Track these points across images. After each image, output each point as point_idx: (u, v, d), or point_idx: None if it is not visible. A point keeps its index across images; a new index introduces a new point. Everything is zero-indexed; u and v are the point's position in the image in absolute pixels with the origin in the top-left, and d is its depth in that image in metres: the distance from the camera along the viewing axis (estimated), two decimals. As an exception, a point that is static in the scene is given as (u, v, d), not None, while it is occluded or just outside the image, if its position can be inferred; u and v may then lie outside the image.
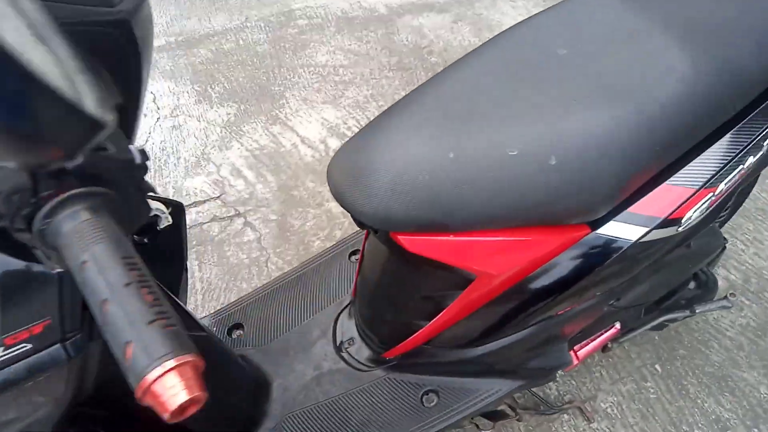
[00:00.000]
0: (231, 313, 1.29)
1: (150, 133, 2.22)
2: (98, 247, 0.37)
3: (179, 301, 0.93)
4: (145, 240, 0.76)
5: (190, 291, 1.75)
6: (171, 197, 1.97)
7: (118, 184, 0.44)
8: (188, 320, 0.90)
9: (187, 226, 1.87)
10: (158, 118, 2.28)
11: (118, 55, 0.59)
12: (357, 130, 2.20)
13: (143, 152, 0.47)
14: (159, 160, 2.12)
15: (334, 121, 2.25)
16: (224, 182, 2.05)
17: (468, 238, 0.76)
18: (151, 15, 0.65)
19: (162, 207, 0.77)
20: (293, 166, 2.09)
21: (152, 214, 0.76)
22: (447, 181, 0.71)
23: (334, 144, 2.16)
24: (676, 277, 1.08)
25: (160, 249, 0.95)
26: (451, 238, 0.76)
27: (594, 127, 0.71)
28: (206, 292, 1.75)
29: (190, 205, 1.97)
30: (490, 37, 0.87)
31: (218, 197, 2.00)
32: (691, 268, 1.09)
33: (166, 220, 0.78)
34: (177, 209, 0.98)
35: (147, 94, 2.32)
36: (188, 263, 1.78)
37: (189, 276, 1.79)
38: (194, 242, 1.87)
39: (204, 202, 1.99)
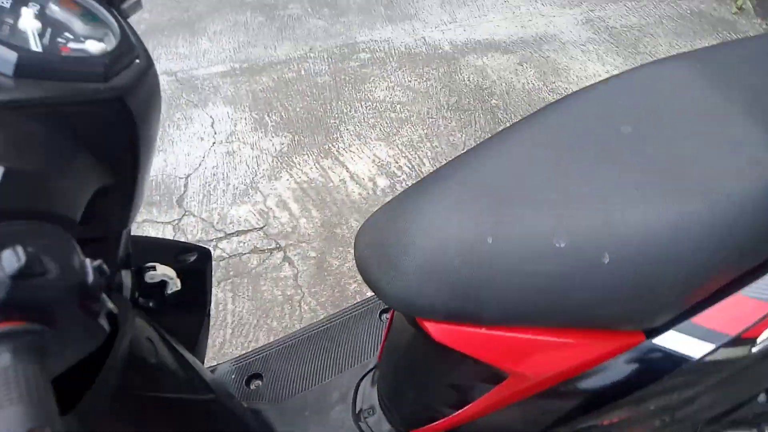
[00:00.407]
0: (252, 362, 1.24)
1: (204, 157, 2.24)
2: (4, 412, 0.30)
3: (190, 358, 0.87)
4: (150, 304, 0.71)
5: (220, 324, 1.71)
6: (215, 225, 1.97)
7: (59, 314, 0.37)
8: (197, 381, 0.85)
9: (228, 256, 1.85)
10: (213, 143, 2.30)
11: (108, 134, 0.54)
12: (408, 170, 2.15)
13: (100, 269, 0.39)
14: (209, 185, 2.13)
15: (386, 159, 2.20)
16: (269, 213, 2.03)
17: (502, 333, 0.67)
18: (157, 87, 0.61)
19: (170, 272, 0.73)
20: (339, 203, 2.04)
21: (159, 280, 0.71)
22: (483, 268, 0.63)
23: (383, 183, 2.10)
24: (745, 390, 0.94)
25: (180, 296, 0.91)
26: (483, 331, 0.67)
27: (657, 223, 0.61)
28: (236, 327, 1.71)
29: (232, 233, 1.96)
30: (556, 81, 0.79)
31: (261, 228, 1.98)
32: (764, 381, 0.95)
33: (174, 286, 0.73)
34: (203, 255, 0.93)
35: (202, 124, 2.35)
36: (222, 294, 1.76)
37: (221, 307, 1.76)
38: (231, 273, 1.84)
39: (247, 232, 1.97)
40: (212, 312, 1.70)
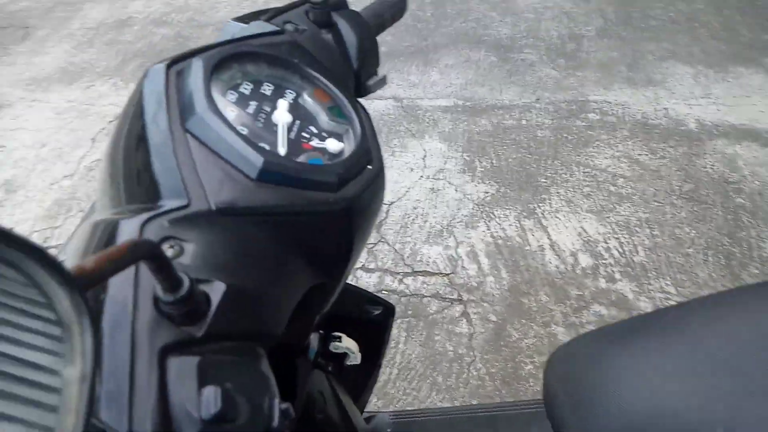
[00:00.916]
0: (411, 422, 1.21)
1: (409, 189, 2.29)
2: None
3: (351, 410, 0.87)
4: (330, 368, 0.71)
5: (388, 362, 1.72)
6: (405, 258, 1.99)
7: None
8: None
9: (410, 294, 1.86)
10: (421, 177, 2.34)
11: (326, 242, 0.53)
12: (617, 254, 1.95)
13: (286, 412, 0.37)
14: (408, 218, 2.17)
15: (594, 235, 2.03)
16: (458, 262, 1.99)
17: None
18: (382, 188, 0.59)
19: (353, 347, 0.73)
20: (532, 270, 1.93)
21: (342, 351, 0.71)
22: None
23: (585, 262, 1.94)
24: None
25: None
26: None
27: None
28: (402, 370, 1.70)
29: (419, 272, 1.96)
30: None
31: (447, 275, 1.95)
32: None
33: (354, 360, 0.73)
34: (387, 311, 0.92)
35: (414, 155, 2.40)
36: (397, 331, 1.76)
37: (393, 344, 1.77)
38: (410, 312, 1.85)
39: (433, 275, 1.96)
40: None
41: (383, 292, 1.90)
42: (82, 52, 3.22)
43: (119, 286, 0.37)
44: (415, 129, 2.58)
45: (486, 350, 1.73)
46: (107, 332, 0.35)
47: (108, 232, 0.41)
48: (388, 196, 2.26)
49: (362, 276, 1.95)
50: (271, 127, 0.51)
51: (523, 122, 2.57)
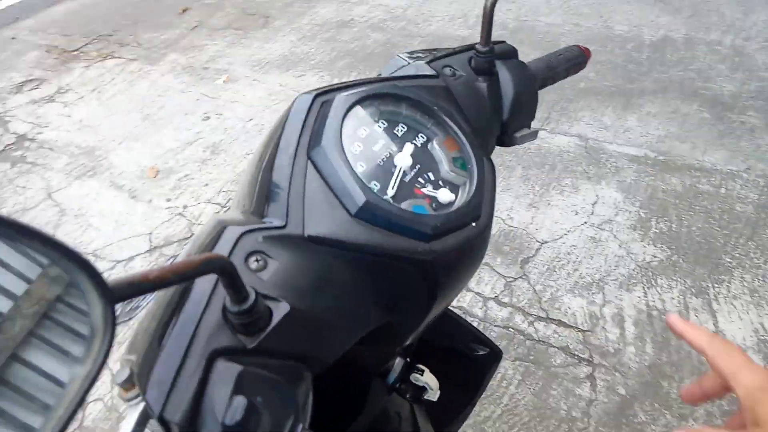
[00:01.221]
0: None
1: (568, 232, 2.17)
2: None
3: None
4: (407, 396, 0.71)
5: (494, 398, 1.66)
6: (542, 302, 1.89)
7: None
8: None
9: (537, 339, 1.77)
10: (585, 223, 2.20)
11: (402, 287, 0.53)
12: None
13: None
14: (558, 262, 2.06)
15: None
16: (600, 322, 1.84)
17: None
18: (484, 244, 0.57)
19: (432, 383, 0.71)
20: (683, 354, 1.71)
21: (421, 384, 0.70)
22: None
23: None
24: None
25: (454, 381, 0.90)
26: None
27: None
28: (506, 412, 1.63)
29: (553, 320, 1.85)
30: None
31: (584, 331, 1.81)
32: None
33: (431, 396, 0.71)
34: (494, 355, 0.89)
35: (584, 199, 2.26)
36: (513, 371, 1.69)
37: (504, 383, 1.70)
38: (531, 357, 1.76)
39: (568, 327, 1.83)
40: (491, 382, 1.66)
41: (510, 329, 1.84)
42: (304, 45, 3.61)
43: (202, 285, 0.41)
44: (592, 172, 2.44)
45: (604, 422, 1.57)
46: (176, 322, 0.40)
47: (216, 232, 0.46)
48: (544, 233, 2.17)
49: (492, 308, 1.90)
50: (390, 168, 0.53)
51: (722, 191, 2.28)
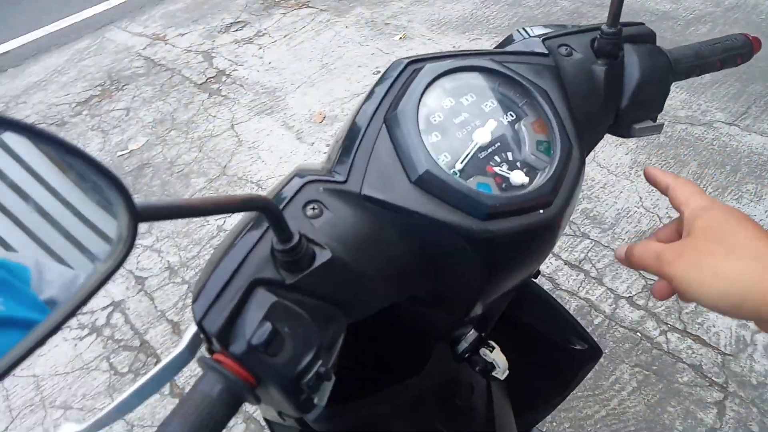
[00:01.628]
0: None
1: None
2: (173, 424, 0.38)
3: (502, 414, 0.86)
4: (477, 368, 0.71)
5: (601, 398, 1.57)
6: (682, 314, 1.71)
7: (266, 384, 0.42)
8: None
9: (666, 351, 1.63)
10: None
11: (452, 262, 0.53)
12: None
13: (324, 374, 0.44)
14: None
15: None
16: (748, 349, 1.63)
17: None
18: (538, 243, 0.54)
19: (502, 362, 0.70)
20: None
21: (489, 361, 0.69)
22: None
23: None
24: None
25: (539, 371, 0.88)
26: None
27: None
28: (612, 416, 1.54)
29: (691, 334, 1.68)
30: None
31: (725, 354, 1.62)
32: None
33: (498, 375, 0.70)
34: (592, 353, 0.85)
35: None
36: (630, 376, 1.59)
37: (618, 385, 1.60)
38: (654, 367, 1.62)
39: (707, 346, 1.65)
40: (602, 382, 1.58)
41: (637, 333, 1.70)
42: (486, 8, 3.53)
43: (261, 225, 0.46)
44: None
45: (721, 456, 1.42)
46: (231, 251, 0.46)
47: (288, 178, 0.51)
48: (702, 240, 1.94)
49: (624, 307, 1.78)
50: (466, 142, 0.53)
51: None
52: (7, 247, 0.37)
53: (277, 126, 2.78)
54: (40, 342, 0.30)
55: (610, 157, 2.31)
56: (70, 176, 0.37)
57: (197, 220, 2.29)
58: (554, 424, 1.54)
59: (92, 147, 2.83)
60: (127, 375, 1.83)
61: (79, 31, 4.00)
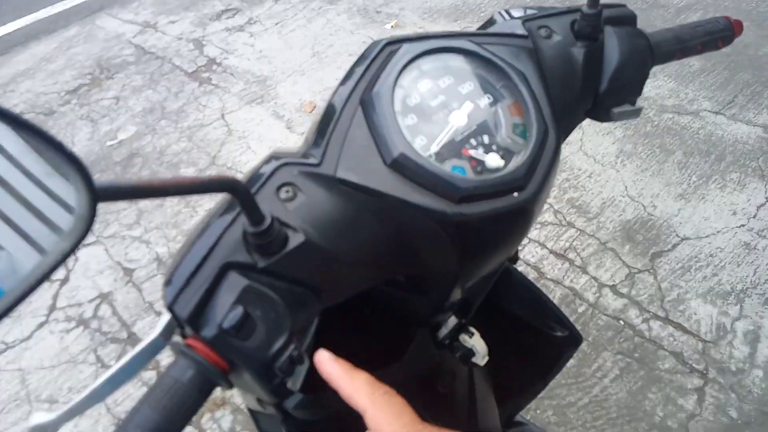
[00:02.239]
0: None
1: (717, 232, 1.94)
2: (144, 412, 0.39)
3: (485, 402, 0.86)
4: (457, 354, 0.71)
5: (584, 386, 1.60)
6: (664, 301, 1.75)
7: (239, 369, 0.42)
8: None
9: (647, 339, 1.66)
10: (741, 226, 1.95)
11: (426, 245, 0.53)
12: None
13: (296, 359, 0.44)
14: (695, 261, 1.86)
15: None
16: (729, 336, 1.66)
17: None
18: (512, 227, 0.54)
19: (481, 349, 0.70)
20: (823, 395, 1.48)
21: (468, 347, 0.69)
22: None
23: None
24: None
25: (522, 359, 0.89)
26: None
27: None
28: (594, 403, 1.57)
29: (672, 322, 1.71)
30: None
31: (705, 341, 1.65)
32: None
33: (478, 361, 0.71)
34: (571, 340, 0.86)
35: (756, 199, 1.98)
36: (612, 363, 1.62)
37: (599, 372, 1.63)
38: (636, 354, 1.65)
39: (687, 333, 1.68)
40: (585, 370, 1.60)
41: (620, 321, 1.73)
42: (478, -5, 3.52)
43: (233, 208, 0.46)
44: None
45: (699, 441, 1.45)
46: (203, 234, 0.46)
47: (263, 161, 0.51)
48: (685, 229, 1.97)
49: (607, 295, 1.80)
50: (442, 125, 0.53)
51: None
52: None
53: (267, 115, 2.78)
54: None
55: (597, 146, 2.32)
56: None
57: (186, 210, 2.29)
58: (538, 411, 1.57)
59: (81, 136, 2.82)
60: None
61: (68, 18, 3.96)
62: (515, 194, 0.51)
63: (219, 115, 2.82)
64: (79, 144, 2.76)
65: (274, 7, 3.72)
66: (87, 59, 3.46)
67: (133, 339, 1.89)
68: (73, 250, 0.31)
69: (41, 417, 0.44)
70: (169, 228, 2.26)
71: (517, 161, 0.53)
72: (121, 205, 2.28)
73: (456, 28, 3.23)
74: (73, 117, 2.99)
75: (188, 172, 2.52)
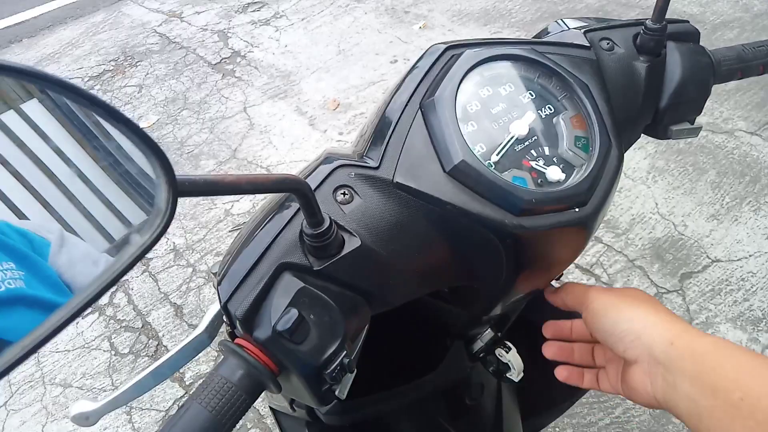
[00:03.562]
0: None
1: (750, 256, 1.88)
2: (193, 410, 0.37)
3: (510, 418, 0.84)
4: (491, 369, 0.69)
5: (610, 408, 1.55)
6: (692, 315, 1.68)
7: (288, 373, 0.41)
8: None
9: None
10: (776, 250, 1.88)
11: (483, 255, 0.50)
12: None
13: (346, 366, 0.43)
14: (725, 285, 1.81)
15: None
16: (759, 364, 1.60)
17: None
18: (569, 242, 0.51)
19: (515, 363, 0.68)
20: None
21: (505, 362, 0.67)
22: None
23: None
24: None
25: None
26: None
27: None
28: (617, 425, 1.52)
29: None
30: None
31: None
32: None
33: (513, 377, 0.68)
34: None
35: None
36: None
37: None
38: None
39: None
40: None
41: (646, 341, 1.67)
42: (509, 1, 3.47)
43: (290, 207, 0.45)
44: (806, 195, 2.05)
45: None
46: (259, 233, 0.45)
47: (318, 162, 0.50)
48: (717, 251, 1.91)
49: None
50: (502, 133, 0.51)
51: None
52: (21, 216, 0.36)
53: (290, 111, 2.75)
54: (63, 325, 0.29)
55: (628, 160, 2.26)
56: (89, 151, 0.37)
57: (204, 203, 2.27)
58: (557, 429, 1.52)
59: (103, 122, 2.81)
60: (127, 356, 1.82)
61: (95, 4, 3.97)
62: (576, 209, 0.50)
63: (241, 108, 2.80)
64: (100, 130, 2.75)
65: (301, 2, 3.70)
66: (112, 46, 3.46)
67: (147, 329, 1.87)
68: (156, 241, 0.31)
69: (84, 406, 0.43)
70: (187, 219, 2.23)
71: (578, 175, 0.51)
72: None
73: (485, 32, 3.19)
74: (95, 102, 2.97)
75: (209, 164, 2.50)
